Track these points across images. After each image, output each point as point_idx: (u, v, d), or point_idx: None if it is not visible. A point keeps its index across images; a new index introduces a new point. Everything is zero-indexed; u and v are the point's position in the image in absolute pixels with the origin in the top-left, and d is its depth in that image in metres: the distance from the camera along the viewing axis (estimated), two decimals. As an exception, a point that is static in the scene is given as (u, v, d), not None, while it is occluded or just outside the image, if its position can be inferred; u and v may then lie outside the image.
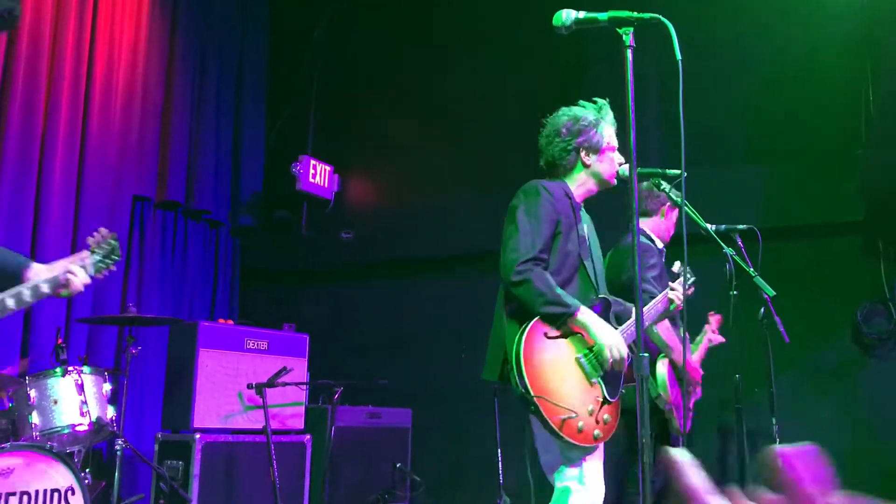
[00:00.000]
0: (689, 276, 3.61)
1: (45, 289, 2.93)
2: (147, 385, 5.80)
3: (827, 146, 5.29)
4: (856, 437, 5.03)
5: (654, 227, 4.35)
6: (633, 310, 3.27)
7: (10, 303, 2.80)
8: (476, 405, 5.54)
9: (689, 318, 3.02)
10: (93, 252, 3.21)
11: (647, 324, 3.40)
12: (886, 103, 4.83)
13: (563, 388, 2.89)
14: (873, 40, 5.03)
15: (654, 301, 3.37)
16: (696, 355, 4.35)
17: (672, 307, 3.38)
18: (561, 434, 2.83)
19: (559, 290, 2.99)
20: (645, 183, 4.12)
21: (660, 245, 4.25)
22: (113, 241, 3.28)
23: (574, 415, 2.85)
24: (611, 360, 2.97)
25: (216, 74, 6.80)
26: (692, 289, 3.62)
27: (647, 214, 4.39)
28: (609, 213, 3.71)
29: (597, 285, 3.23)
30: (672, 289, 3.42)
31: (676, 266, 3.63)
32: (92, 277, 3.15)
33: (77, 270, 3.06)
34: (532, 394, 2.82)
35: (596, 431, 2.92)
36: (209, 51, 6.75)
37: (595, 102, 3.33)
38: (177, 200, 6.33)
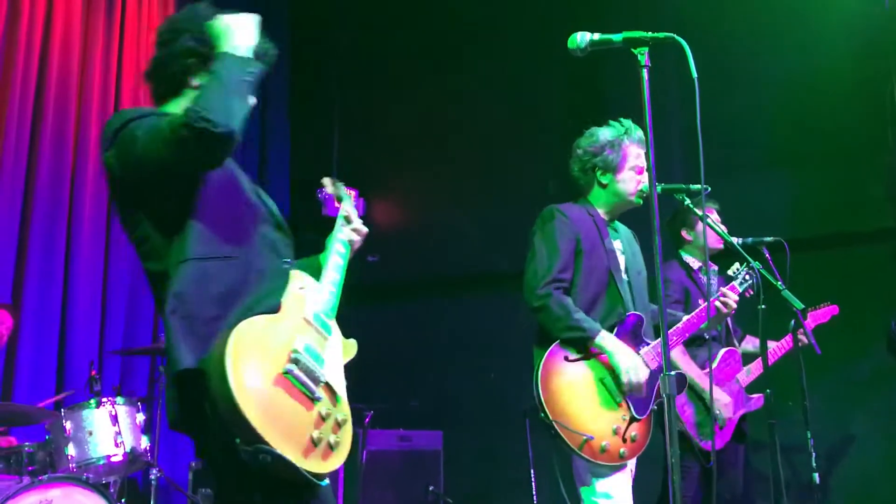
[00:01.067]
0: (747, 278, 3.59)
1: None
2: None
3: (853, 153, 5.25)
4: (891, 448, 4.95)
5: (692, 251, 4.38)
6: (681, 318, 3.28)
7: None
8: (507, 426, 5.52)
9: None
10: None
11: (688, 335, 3.38)
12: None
13: (585, 411, 2.93)
14: (894, 40, 5.00)
15: (697, 310, 3.37)
16: (745, 376, 4.30)
17: (728, 311, 3.37)
18: (582, 455, 2.86)
19: (578, 315, 3.03)
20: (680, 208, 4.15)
21: (695, 266, 4.32)
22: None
23: (591, 437, 2.86)
24: (626, 386, 2.99)
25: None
26: (750, 291, 3.61)
27: (684, 243, 4.41)
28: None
29: (632, 299, 3.23)
30: (721, 295, 3.41)
31: (733, 268, 3.63)
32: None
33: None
34: (550, 418, 2.86)
35: (622, 450, 2.93)
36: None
37: (621, 123, 3.35)
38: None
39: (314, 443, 1.95)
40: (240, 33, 2.19)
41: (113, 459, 4.00)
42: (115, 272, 5.66)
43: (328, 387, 2.06)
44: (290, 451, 1.88)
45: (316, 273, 2.30)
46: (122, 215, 2.18)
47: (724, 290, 3.49)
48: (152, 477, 4.46)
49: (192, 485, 4.93)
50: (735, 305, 3.43)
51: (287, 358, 1.98)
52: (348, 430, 2.07)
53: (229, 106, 2.03)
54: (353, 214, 2.57)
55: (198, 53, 2.24)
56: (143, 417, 4.26)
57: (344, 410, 2.08)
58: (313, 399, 2.00)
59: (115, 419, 4.06)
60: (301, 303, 2.14)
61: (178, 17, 2.34)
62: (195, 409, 1.97)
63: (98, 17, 5.70)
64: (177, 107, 2.19)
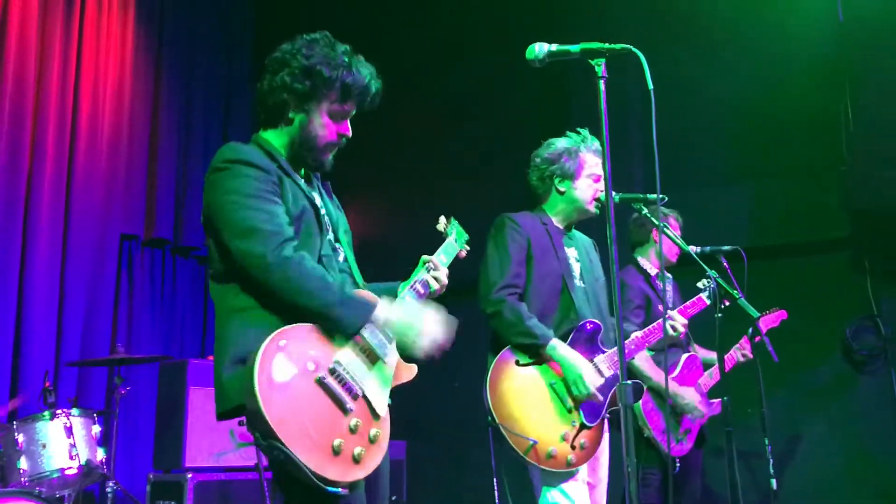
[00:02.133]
0: (715, 292, 3.64)
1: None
2: (139, 425, 5.76)
3: (809, 164, 5.34)
4: (848, 454, 5.03)
5: (649, 255, 4.43)
6: (633, 334, 3.32)
7: None
8: (471, 435, 5.50)
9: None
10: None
11: (641, 349, 3.43)
12: (865, 120, 4.88)
13: (532, 416, 2.95)
14: (850, 59, 5.10)
15: (650, 326, 3.42)
16: (707, 380, 4.35)
17: (676, 334, 3.42)
18: (528, 460, 2.88)
19: (531, 322, 3.06)
20: (635, 215, 4.19)
21: (652, 273, 4.35)
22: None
23: (534, 442, 2.88)
24: (577, 394, 3.01)
25: (203, 110, 6.83)
26: (726, 302, 3.66)
27: (640, 244, 4.46)
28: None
29: (588, 307, 3.25)
30: (671, 317, 3.47)
31: (702, 282, 3.69)
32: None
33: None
34: (497, 421, 2.89)
35: (570, 457, 2.95)
36: (195, 87, 6.78)
37: (578, 132, 3.40)
38: (165, 238, 6.33)
39: (335, 451, 2.04)
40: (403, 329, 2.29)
41: (67, 472, 3.93)
42: (72, 282, 5.56)
43: (366, 401, 2.16)
44: (306, 454, 1.97)
45: (391, 297, 2.41)
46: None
47: (671, 313, 3.54)
48: (108, 490, 4.38)
49: (151, 497, 4.85)
50: (682, 329, 3.47)
51: (326, 367, 2.11)
52: (380, 447, 2.18)
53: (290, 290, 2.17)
54: (442, 260, 2.62)
55: (293, 90, 2.38)
56: (99, 429, 4.19)
57: (380, 427, 2.19)
58: (345, 410, 2.10)
59: (69, 431, 3.98)
60: None
61: (286, 49, 2.45)
62: None
63: (56, 21, 5.62)
64: (274, 136, 2.44)
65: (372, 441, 2.15)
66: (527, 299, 3.18)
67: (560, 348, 3.06)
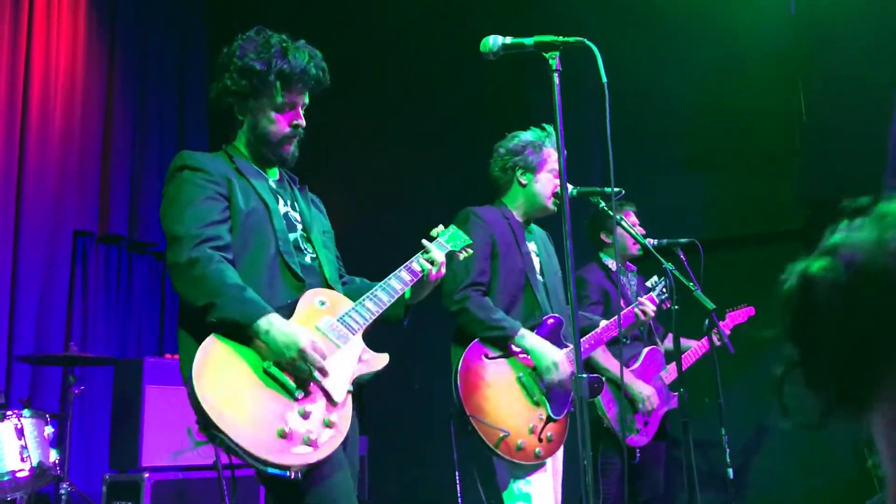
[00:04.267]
0: (664, 291, 3.68)
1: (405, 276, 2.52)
2: (94, 424, 5.66)
3: (763, 156, 5.40)
4: (802, 443, 5.11)
5: (611, 249, 4.46)
6: (600, 323, 3.33)
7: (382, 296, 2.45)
8: (432, 429, 5.51)
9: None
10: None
11: (599, 345, 3.45)
12: (818, 112, 4.96)
13: (501, 408, 2.95)
14: (803, 51, 5.17)
15: (621, 313, 3.43)
16: (667, 374, 4.40)
17: (647, 319, 3.45)
18: (498, 452, 2.88)
19: (497, 315, 3.05)
20: (592, 211, 4.23)
21: (614, 268, 4.39)
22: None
23: (506, 433, 2.89)
24: (549, 383, 3.02)
25: (157, 103, 6.72)
26: (668, 304, 3.71)
27: (600, 245, 4.50)
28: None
29: (548, 302, 3.27)
30: (640, 303, 3.49)
31: (652, 280, 3.71)
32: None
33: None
34: (467, 413, 2.88)
35: (537, 450, 2.96)
36: (149, 79, 6.66)
37: (543, 128, 3.41)
38: (120, 234, 6.21)
39: (282, 435, 2.06)
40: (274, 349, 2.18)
41: (18, 475, 3.85)
42: (24, 280, 5.44)
43: (321, 388, 2.18)
44: (249, 440, 2.01)
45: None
46: None
47: (642, 299, 3.56)
48: (62, 491, 4.31)
49: (107, 497, 4.77)
50: (652, 314, 3.51)
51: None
52: (338, 431, 2.18)
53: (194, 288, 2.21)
54: (438, 248, 2.62)
55: (233, 93, 2.45)
56: (52, 430, 4.11)
57: (340, 413, 2.20)
58: (293, 396, 2.13)
59: (20, 433, 3.90)
60: (315, 315, 2.29)
61: (224, 53, 2.49)
62: None
63: (4, 11, 5.48)
64: (238, 140, 2.52)
65: (327, 425, 2.16)
66: (491, 296, 3.17)
67: (529, 338, 3.07)
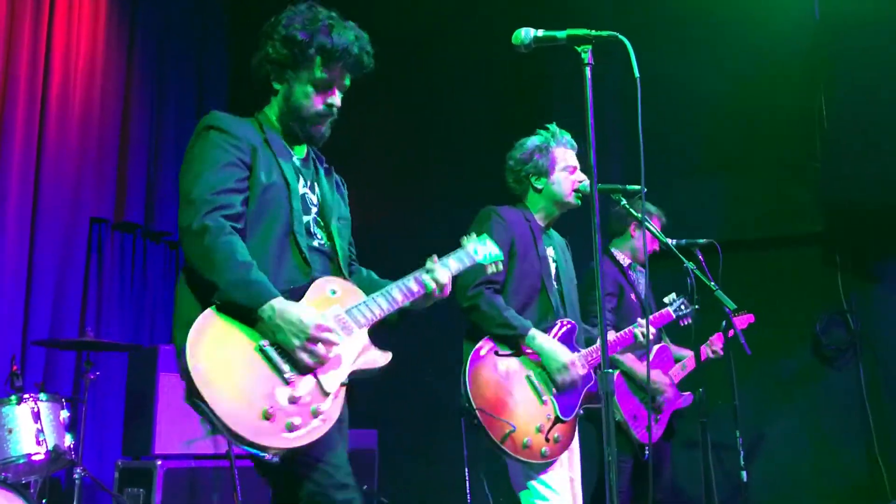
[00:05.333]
0: (682, 308, 3.67)
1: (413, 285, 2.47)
2: (108, 411, 5.67)
3: (784, 160, 5.39)
4: (817, 447, 5.10)
5: (624, 248, 4.46)
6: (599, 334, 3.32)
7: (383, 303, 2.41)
8: (443, 424, 5.51)
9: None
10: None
11: (611, 353, 3.45)
12: (839, 117, 4.93)
13: (509, 405, 2.95)
14: (826, 56, 5.15)
15: (620, 333, 3.41)
16: (680, 371, 4.40)
17: (644, 342, 3.42)
18: (503, 448, 2.87)
19: (509, 313, 3.05)
20: (616, 207, 4.22)
21: (625, 264, 4.38)
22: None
23: (513, 427, 2.88)
24: (560, 382, 3.01)
25: (176, 92, 6.72)
26: (687, 320, 3.70)
27: (615, 235, 4.49)
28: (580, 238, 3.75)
29: (563, 307, 3.27)
30: (638, 324, 3.47)
31: (669, 297, 3.70)
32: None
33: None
34: (474, 406, 2.88)
35: (544, 449, 2.95)
36: (168, 68, 6.67)
37: (548, 129, 3.41)
38: (136, 222, 6.22)
39: (265, 416, 2.03)
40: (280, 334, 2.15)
41: (34, 458, 3.85)
42: (40, 266, 5.45)
43: (314, 377, 2.14)
44: (232, 416, 1.99)
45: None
46: None
47: (640, 320, 3.54)
48: (76, 476, 4.31)
49: (119, 483, 4.79)
50: (643, 339, 3.45)
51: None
52: (323, 422, 2.13)
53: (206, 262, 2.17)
54: (444, 269, 2.53)
55: (273, 61, 2.41)
56: (68, 414, 4.12)
57: (328, 403, 2.16)
58: (284, 380, 2.10)
59: (37, 416, 3.91)
60: (325, 303, 2.27)
61: (270, 22, 2.46)
62: None
63: (25, 6, 5.49)
64: (270, 110, 2.48)
65: (314, 414, 2.12)
66: (505, 296, 3.17)
67: (539, 338, 3.07)
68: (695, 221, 5.04)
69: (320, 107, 2.42)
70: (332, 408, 2.17)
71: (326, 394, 2.16)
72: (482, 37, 6.10)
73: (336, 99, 2.45)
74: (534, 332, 3.07)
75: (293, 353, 2.11)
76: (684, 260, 3.62)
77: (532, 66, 5.33)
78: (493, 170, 3.65)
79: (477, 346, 3.04)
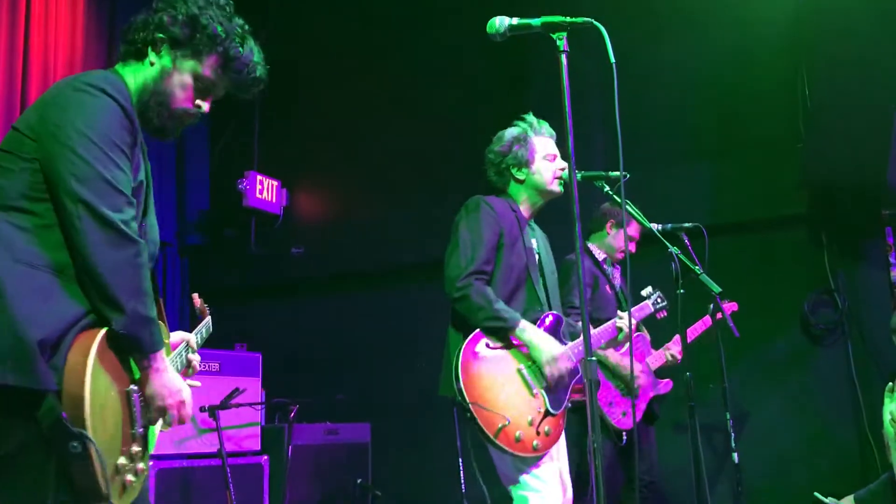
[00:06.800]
0: (659, 301, 3.68)
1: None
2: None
3: (768, 142, 5.39)
4: (807, 427, 5.13)
5: (601, 245, 4.52)
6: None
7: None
8: (435, 416, 5.50)
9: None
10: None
11: (595, 348, 3.45)
12: (822, 98, 4.93)
13: (501, 398, 2.94)
14: (807, 37, 5.14)
15: (602, 327, 3.40)
16: (654, 359, 4.45)
17: (621, 336, 3.40)
18: (496, 442, 2.87)
19: (499, 305, 3.04)
20: (606, 204, 4.28)
21: (600, 258, 4.54)
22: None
23: (507, 421, 2.87)
24: (550, 375, 3.01)
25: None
26: (663, 313, 3.71)
27: (591, 231, 4.53)
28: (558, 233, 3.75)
29: (547, 299, 3.26)
30: (620, 318, 3.46)
31: (646, 290, 3.70)
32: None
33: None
34: (468, 401, 2.86)
35: (535, 442, 2.94)
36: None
37: (524, 119, 3.42)
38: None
39: (117, 470, 1.82)
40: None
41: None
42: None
43: (143, 436, 1.96)
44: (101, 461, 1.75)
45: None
46: None
47: (620, 313, 3.53)
48: (67, 480, 4.29)
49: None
50: (628, 331, 3.42)
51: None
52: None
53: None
54: (195, 338, 2.60)
55: (169, 32, 2.15)
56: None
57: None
58: (133, 432, 1.90)
59: None
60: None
61: None
62: None
63: (1, 6, 5.43)
64: (130, 72, 2.16)
65: (137, 475, 1.91)
66: (492, 286, 3.15)
67: (529, 331, 3.05)
68: (679, 206, 5.05)
69: (190, 105, 2.20)
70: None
71: (145, 453, 2.00)
72: (455, 27, 6.07)
73: (206, 106, 2.24)
74: (524, 324, 3.05)
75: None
76: (668, 245, 3.62)
77: (509, 54, 5.32)
78: (472, 162, 3.65)
79: (469, 339, 3.03)
